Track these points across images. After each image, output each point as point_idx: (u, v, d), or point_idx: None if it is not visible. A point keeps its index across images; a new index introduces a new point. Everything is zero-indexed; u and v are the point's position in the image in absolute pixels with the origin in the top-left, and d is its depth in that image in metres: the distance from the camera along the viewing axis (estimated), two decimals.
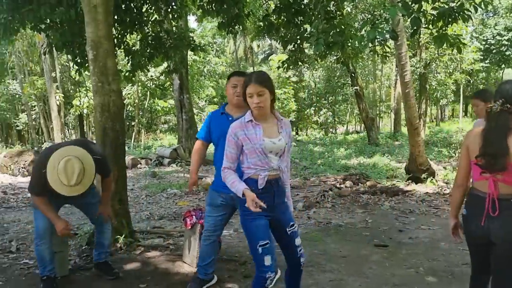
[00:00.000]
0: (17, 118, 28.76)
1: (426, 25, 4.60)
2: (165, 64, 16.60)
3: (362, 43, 3.85)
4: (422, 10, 3.88)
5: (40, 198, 3.52)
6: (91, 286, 3.80)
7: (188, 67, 19.68)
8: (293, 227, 2.95)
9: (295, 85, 29.32)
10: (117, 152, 4.57)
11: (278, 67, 7.17)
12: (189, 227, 4.24)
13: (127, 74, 7.28)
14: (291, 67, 6.62)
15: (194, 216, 4.25)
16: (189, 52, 19.89)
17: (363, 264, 4.33)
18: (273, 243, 2.94)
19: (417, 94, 22.23)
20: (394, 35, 4.00)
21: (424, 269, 4.19)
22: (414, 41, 19.57)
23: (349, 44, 5.41)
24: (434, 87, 24.12)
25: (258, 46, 42.98)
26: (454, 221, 2.75)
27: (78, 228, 5.25)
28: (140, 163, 13.85)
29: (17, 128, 30.20)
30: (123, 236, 4.65)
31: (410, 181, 8.98)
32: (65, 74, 25.26)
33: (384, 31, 3.76)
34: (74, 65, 6.65)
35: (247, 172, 2.80)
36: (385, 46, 6.26)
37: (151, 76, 21.60)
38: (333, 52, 6.54)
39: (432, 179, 8.86)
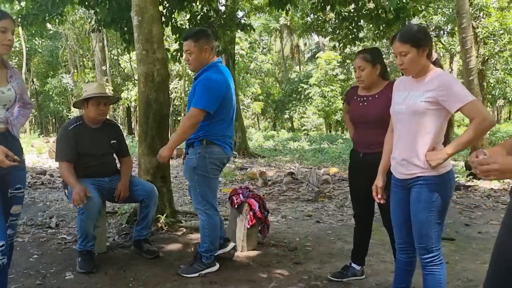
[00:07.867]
0: (69, 112, 29.61)
1: None
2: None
3: None
4: None
5: (67, 164, 3.43)
6: (129, 264, 3.51)
7: (235, 63, 19.46)
8: (19, 191, 2.55)
9: (343, 83, 28.53)
10: (160, 125, 4.29)
11: (334, 46, 6.72)
12: (235, 206, 3.88)
13: (174, 53, 7.04)
14: (346, 45, 6.13)
15: (241, 195, 3.91)
16: (236, 48, 19.80)
17: None
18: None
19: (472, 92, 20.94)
20: None
21: None
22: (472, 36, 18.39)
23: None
24: (492, 85, 22.65)
25: (305, 44, 42.41)
26: None
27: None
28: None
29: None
30: (164, 215, 4.38)
31: (471, 177, 8.29)
32: (115, 68, 25.77)
33: None
34: (123, 42, 6.48)
35: None
36: (441, 43, 5.65)
37: None
38: (393, 28, 6.02)
39: None
